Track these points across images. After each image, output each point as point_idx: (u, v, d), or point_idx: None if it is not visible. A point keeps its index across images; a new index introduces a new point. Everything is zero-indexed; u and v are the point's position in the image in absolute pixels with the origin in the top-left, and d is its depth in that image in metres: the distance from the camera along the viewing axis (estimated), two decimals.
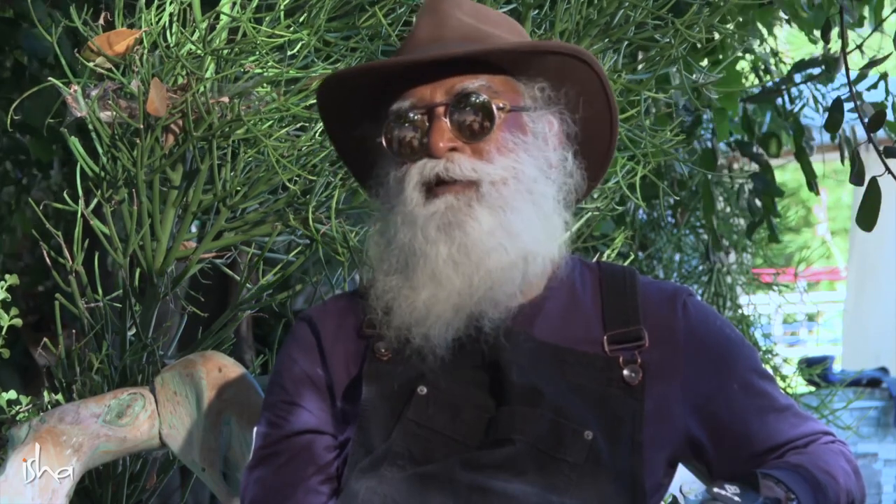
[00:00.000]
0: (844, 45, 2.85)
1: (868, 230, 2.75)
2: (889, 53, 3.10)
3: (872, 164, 2.84)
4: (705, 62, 3.47)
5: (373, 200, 2.01)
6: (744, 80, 4.29)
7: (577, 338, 1.92)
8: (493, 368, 1.88)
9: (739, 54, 3.86)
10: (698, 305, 1.99)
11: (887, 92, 3.44)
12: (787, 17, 3.95)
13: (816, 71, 3.96)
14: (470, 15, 1.98)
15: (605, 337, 1.93)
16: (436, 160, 1.88)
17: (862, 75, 3.29)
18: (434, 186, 1.88)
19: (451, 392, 1.87)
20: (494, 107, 1.90)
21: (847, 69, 2.86)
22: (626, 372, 1.90)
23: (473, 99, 1.90)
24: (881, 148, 2.76)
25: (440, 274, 1.86)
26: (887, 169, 2.74)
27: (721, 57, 3.44)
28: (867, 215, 2.74)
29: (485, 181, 1.87)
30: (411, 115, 1.91)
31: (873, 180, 2.72)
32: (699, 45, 2.76)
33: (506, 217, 1.87)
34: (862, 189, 2.77)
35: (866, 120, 2.79)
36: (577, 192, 1.97)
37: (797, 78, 4.07)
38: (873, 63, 3.08)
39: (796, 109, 4.21)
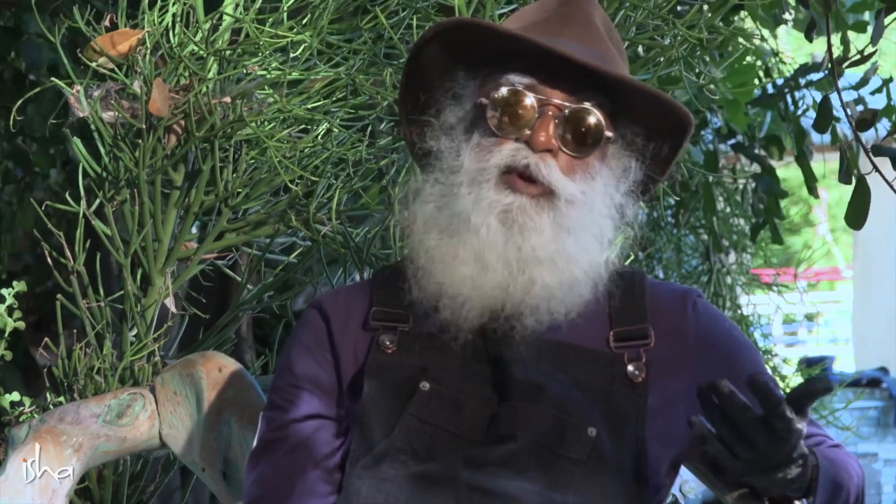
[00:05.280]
0: (829, 48, 2.82)
1: (857, 229, 2.72)
2: (871, 53, 3.07)
3: (868, 165, 2.80)
4: (710, 57, 3.45)
5: (415, 138, 1.96)
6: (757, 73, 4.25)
7: (582, 334, 1.91)
8: (496, 364, 1.88)
9: (746, 49, 3.83)
10: (708, 307, 2.00)
11: (889, 97, 3.41)
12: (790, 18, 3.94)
13: (819, 76, 3.95)
14: (603, 25, 1.95)
15: (610, 333, 1.92)
16: (530, 152, 1.85)
17: (865, 80, 3.27)
18: (513, 174, 1.86)
19: (453, 387, 1.87)
20: (605, 135, 1.88)
21: (834, 68, 2.84)
22: (630, 368, 1.90)
23: (591, 118, 1.87)
24: (869, 146, 2.74)
25: (487, 258, 1.84)
26: (875, 167, 2.71)
27: (731, 49, 3.42)
28: (856, 214, 2.70)
29: (562, 196, 1.85)
30: (527, 96, 1.87)
31: (861, 179, 2.69)
32: (706, 42, 2.73)
33: (568, 239, 1.85)
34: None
35: (854, 119, 2.75)
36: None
37: (800, 82, 4.05)
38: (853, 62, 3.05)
39: (798, 113, 4.19)
